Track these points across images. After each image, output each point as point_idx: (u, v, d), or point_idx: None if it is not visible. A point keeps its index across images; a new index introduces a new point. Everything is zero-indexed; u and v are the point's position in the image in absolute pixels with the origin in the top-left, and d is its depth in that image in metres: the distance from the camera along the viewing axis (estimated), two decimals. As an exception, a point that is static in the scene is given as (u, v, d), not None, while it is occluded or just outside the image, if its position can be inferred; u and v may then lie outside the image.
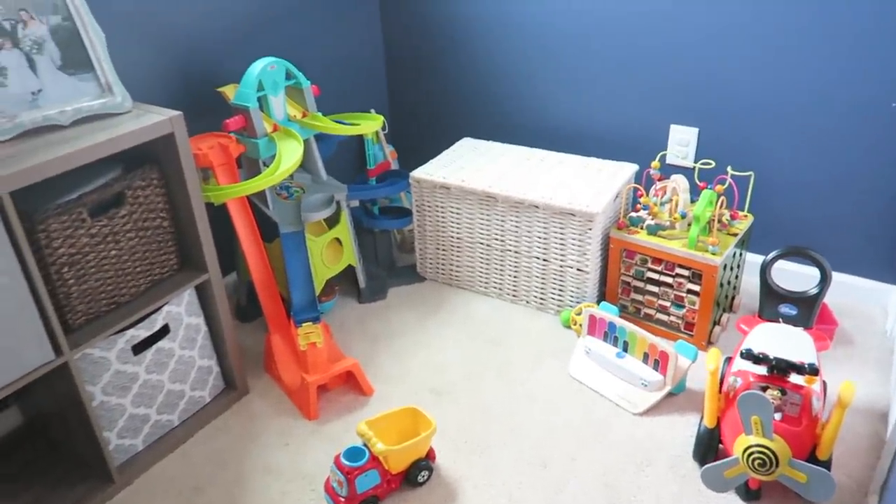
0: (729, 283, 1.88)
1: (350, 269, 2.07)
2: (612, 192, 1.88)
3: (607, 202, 1.84)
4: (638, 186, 1.92)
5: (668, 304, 1.84)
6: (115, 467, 1.46)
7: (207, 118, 1.82)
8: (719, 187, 1.77)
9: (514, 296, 2.07)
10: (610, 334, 1.75)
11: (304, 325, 1.66)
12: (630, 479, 1.46)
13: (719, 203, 1.76)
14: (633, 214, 1.88)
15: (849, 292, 1.97)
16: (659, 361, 1.65)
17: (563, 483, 1.46)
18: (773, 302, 1.62)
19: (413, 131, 2.60)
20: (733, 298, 1.98)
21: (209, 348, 1.64)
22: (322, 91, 1.96)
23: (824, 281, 1.57)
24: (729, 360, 1.55)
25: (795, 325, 1.57)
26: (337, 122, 1.91)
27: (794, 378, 1.38)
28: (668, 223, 1.82)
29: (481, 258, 2.07)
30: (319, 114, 1.88)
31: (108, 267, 1.40)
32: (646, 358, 1.68)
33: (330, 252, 1.97)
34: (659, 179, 1.90)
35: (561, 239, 1.89)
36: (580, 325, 1.86)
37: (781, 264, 1.68)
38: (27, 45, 1.33)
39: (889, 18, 1.67)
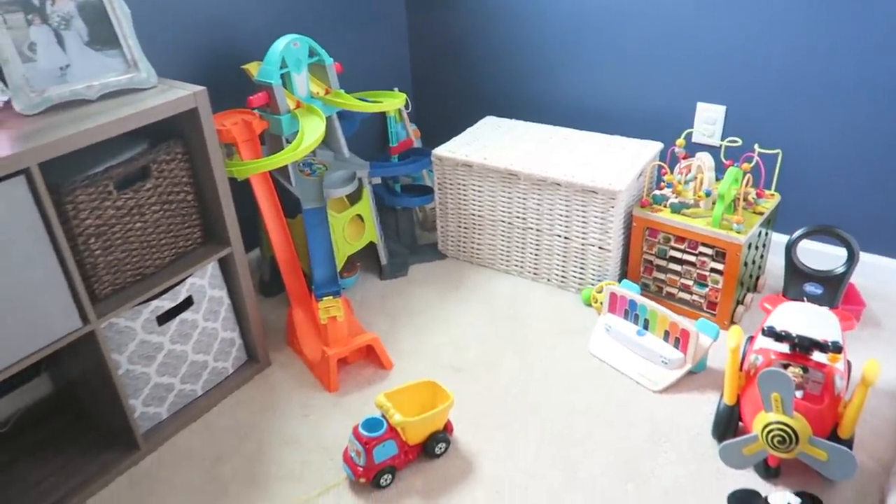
0: (754, 262, 1.85)
1: (372, 247, 2.08)
2: (635, 171, 1.86)
3: (630, 180, 1.82)
4: (662, 164, 1.90)
5: (690, 283, 1.82)
6: (140, 435, 1.50)
7: (232, 95, 1.84)
8: (746, 165, 1.74)
9: (535, 274, 2.06)
10: (630, 312, 1.74)
11: (324, 299, 1.67)
12: (649, 456, 1.46)
13: (745, 181, 1.73)
14: (657, 192, 1.86)
15: (880, 274, 1.93)
16: (680, 339, 1.63)
17: (581, 460, 1.46)
18: (798, 280, 1.59)
19: (436, 109, 2.60)
20: (758, 278, 1.95)
21: (232, 321, 1.67)
22: (345, 69, 1.96)
23: (851, 260, 1.54)
24: (751, 338, 1.53)
25: (820, 305, 1.55)
26: (360, 99, 1.92)
27: (817, 356, 1.36)
28: (692, 201, 1.79)
29: (503, 236, 2.07)
30: (342, 91, 1.89)
31: (134, 239, 1.43)
32: (666, 336, 1.67)
33: (352, 228, 1.99)
34: (684, 157, 1.87)
35: (583, 217, 1.88)
36: (601, 304, 1.85)
37: (808, 243, 1.65)
38: (55, 21, 1.35)
39: (925, -10, 1.61)
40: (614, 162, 1.91)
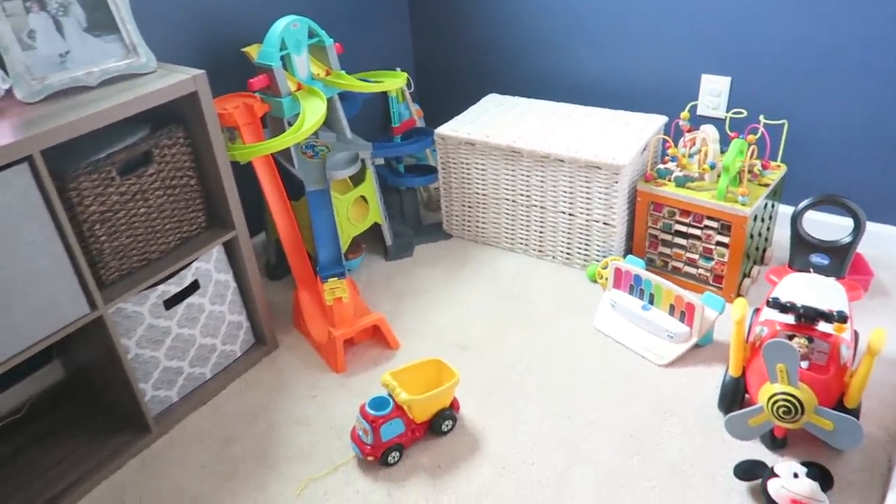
0: (760, 234, 1.84)
1: (377, 228, 2.08)
2: (639, 145, 1.85)
3: (634, 155, 1.81)
4: (666, 138, 1.88)
5: (696, 256, 1.82)
6: (151, 418, 1.52)
7: (233, 79, 1.83)
8: (751, 137, 1.72)
9: (539, 251, 2.06)
10: (636, 287, 1.74)
11: (329, 280, 1.68)
12: (654, 429, 1.46)
13: (750, 153, 1.71)
14: (661, 166, 1.84)
15: (888, 243, 1.92)
16: (685, 313, 1.63)
17: (587, 434, 1.47)
18: (804, 251, 1.58)
19: (438, 88, 2.58)
20: (765, 251, 1.94)
21: (239, 304, 1.68)
22: (346, 49, 1.95)
23: (858, 230, 1.53)
24: (757, 310, 1.53)
25: (827, 276, 1.54)
26: (361, 79, 1.91)
27: (823, 326, 1.35)
28: (696, 175, 1.78)
29: (507, 214, 2.06)
30: (343, 72, 1.88)
31: (139, 224, 1.44)
32: (672, 310, 1.67)
33: (356, 210, 1.99)
34: (688, 131, 1.86)
35: (587, 193, 1.87)
36: (606, 279, 1.84)
37: (814, 214, 1.64)
38: (54, 8, 1.35)
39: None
40: (618, 137, 1.90)
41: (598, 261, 1.95)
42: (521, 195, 2.00)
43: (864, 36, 1.73)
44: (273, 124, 1.85)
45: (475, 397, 1.58)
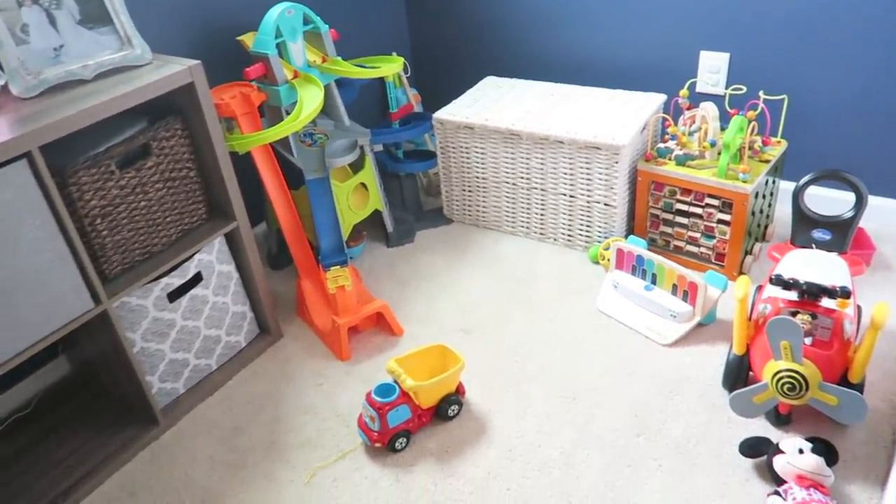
0: (761, 211, 1.84)
1: (378, 214, 2.08)
2: (638, 124, 1.84)
3: (634, 134, 1.80)
4: (666, 116, 1.88)
5: (697, 235, 1.81)
6: (158, 410, 1.53)
7: (229, 68, 1.82)
8: (751, 113, 1.72)
9: (541, 234, 2.06)
10: (638, 267, 1.74)
11: (332, 269, 1.68)
12: (659, 409, 1.47)
13: (750, 129, 1.70)
14: (661, 145, 1.84)
15: (889, 217, 1.91)
16: (688, 292, 1.63)
17: (592, 415, 1.47)
18: (805, 227, 1.58)
19: (435, 72, 2.57)
20: (766, 228, 1.94)
21: (242, 295, 1.69)
22: (342, 35, 1.94)
23: (860, 204, 1.52)
24: (759, 288, 1.53)
25: (829, 251, 1.54)
26: (357, 65, 1.90)
27: (826, 302, 1.35)
28: (697, 153, 1.77)
29: (507, 197, 2.06)
30: (339, 58, 1.87)
31: (140, 217, 1.44)
32: (674, 290, 1.67)
33: (356, 197, 1.99)
34: (688, 108, 1.85)
35: (587, 174, 1.86)
36: (608, 261, 1.84)
37: (815, 189, 1.63)
38: (46, 1, 1.34)
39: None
40: (617, 116, 1.89)
41: (599, 242, 1.95)
42: (521, 178, 1.99)
43: (863, 9, 1.72)
44: (270, 113, 1.84)
45: (480, 381, 1.58)
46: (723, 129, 1.78)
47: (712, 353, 1.59)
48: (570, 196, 1.93)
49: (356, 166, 2.00)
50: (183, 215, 1.53)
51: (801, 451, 1.23)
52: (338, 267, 1.69)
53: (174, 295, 1.50)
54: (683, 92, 1.82)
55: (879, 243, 1.83)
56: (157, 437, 1.53)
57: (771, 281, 1.38)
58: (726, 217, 1.73)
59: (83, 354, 1.64)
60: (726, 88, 1.94)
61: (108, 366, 1.53)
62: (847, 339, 1.32)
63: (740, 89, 1.80)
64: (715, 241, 1.78)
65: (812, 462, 1.21)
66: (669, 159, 1.80)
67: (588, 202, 1.91)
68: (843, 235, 1.54)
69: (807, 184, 1.57)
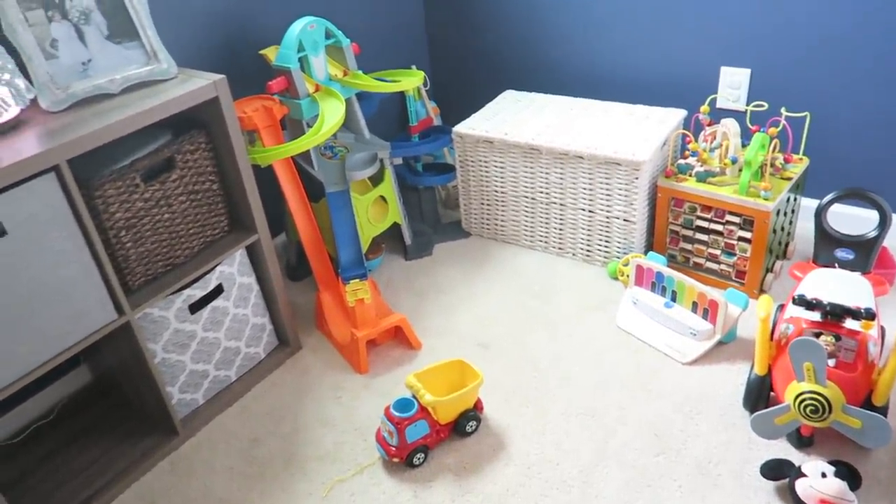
0: (782, 229, 1.82)
1: (396, 227, 2.09)
2: (659, 140, 1.84)
3: (654, 150, 1.80)
4: (686, 133, 1.87)
5: (718, 252, 1.80)
6: (178, 421, 1.54)
7: (252, 82, 1.84)
8: (772, 130, 1.71)
9: (559, 249, 2.06)
10: (658, 284, 1.73)
11: (351, 282, 1.69)
12: (679, 428, 1.46)
13: (772, 146, 1.70)
14: (682, 161, 1.83)
15: (912, 236, 1.89)
16: (708, 310, 1.62)
17: (611, 433, 1.47)
18: (828, 247, 1.57)
19: (455, 86, 2.58)
20: (787, 245, 1.93)
21: (262, 306, 1.70)
22: (362, 49, 1.95)
23: (884, 223, 1.51)
24: (781, 307, 1.52)
25: (852, 270, 1.52)
26: (378, 79, 1.91)
27: (850, 323, 1.34)
28: (717, 169, 1.77)
29: (526, 212, 2.06)
30: (360, 72, 1.88)
31: (163, 230, 1.45)
32: (695, 307, 1.66)
33: (375, 210, 1.99)
34: (708, 124, 1.84)
35: (607, 189, 1.86)
36: (627, 276, 1.84)
37: (838, 208, 1.62)
38: (75, 16, 1.36)
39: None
40: (637, 132, 1.88)
41: (618, 258, 1.94)
42: (541, 192, 1.99)
43: (887, 26, 1.71)
44: (292, 126, 1.86)
45: (499, 397, 1.58)
46: (744, 145, 1.77)
47: (733, 372, 1.58)
48: (590, 211, 1.93)
49: (376, 179, 2.01)
50: (205, 227, 1.55)
51: (823, 475, 1.22)
52: (357, 280, 1.70)
53: (195, 306, 1.52)
54: (704, 108, 1.81)
55: (903, 262, 1.81)
56: (176, 448, 1.54)
57: (794, 301, 1.37)
58: (747, 234, 1.72)
59: (105, 364, 1.66)
60: (747, 105, 1.93)
61: (129, 376, 1.54)
62: (871, 362, 1.31)
63: (762, 106, 1.80)
64: (735, 258, 1.77)
65: (835, 486, 1.20)
66: (690, 175, 1.80)
67: (607, 217, 1.90)
68: (866, 255, 1.53)
69: (830, 202, 1.56)
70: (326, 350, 1.79)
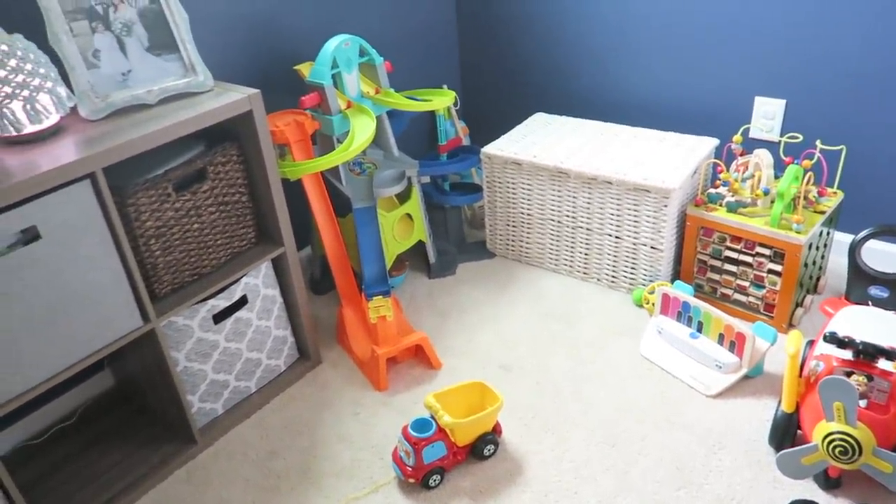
0: (814, 263, 1.79)
1: (420, 245, 2.09)
2: (689, 168, 1.82)
3: (684, 178, 1.78)
4: (718, 162, 1.85)
5: (746, 284, 1.77)
6: (197, 429, 1.54)
7: (285, 96, 1.87)
8: (807, 162, 1.68)
9: (584, 273, 2.04)
10: (684, 314, 1.71)
11: (374, 298, 1.69)
12: (702, 462, 1.43)
13: (806, 179, 1.67)
14: (712, 191, 1.81)
15: (949, 275, 1.84)
16: (735, 343, 1.59)
17: (631, 463, 1.44)
18: (862, 284, 1.54)
19: (485, 107, 2.59)
20: (818, 279, 1.89)
21: (284, 319, 1.70)
22: (395, 67, 1.97)
23: (920, 262, 1.48)
24: (811, 343, 1.48)
25: (886, 309, 1.49)
26: (409, 98, 1.93)
27: (883, 364, 1.31)
28: (749, 200, 1.74)
29: (552, 235, 2.05)
30: (392, 90, 1.90)
31: (192, 239, 1.47)
32: (721, 339, 1.63)
33: (401, 227, 2.00)
34: (741, 154, 1.82)
35: (635, 216, 1.84)
36: (652, 304, 1.81)
37: (873, 244, 1.59)
38: (118, 28, 1.39)
39: None
40: (668, 159, 1.87)
41: (644, 285, 1.92)
42: (567, 216, 1.98)
43: (928, 61, 1.68)
44: (322, 141, 1.87)
45: (518, 421, 1.56)
46: (777, 177, 1.75)
47: (759, 408, 1.54)
48: (616, 237, 1.91)
49: (403, 197, 2.02)
50: (233, 239, 1.56)
51: (851, 519, 1.18)
52: (380, 297, 1.70)
53: (219, 317, 1.53)
54: (737, 138, 1.79)
55: (938, 302, 1.76)
56: (193, 457, 1.54)
57: (825, 338, 1.33)
58: (777, 267, 1.69)
59: (127, 369, 1.68)
60: (781, 136, 1.91)
61: (151, 382, 1.56)
62: (904, 404, 1.27)
63: (796, 137, 1.77)
64: (765, 290, 1.74)
65: (863, 531, 1.16)
66: (720, 205, 1.77)
67: (634, 244, 1.88)
68: (901, 294, 1.50)
69: (865, 238, 1.53)
70: (346, 365, 1.79)
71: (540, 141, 2.05)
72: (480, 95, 2.58)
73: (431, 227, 2.13)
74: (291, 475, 1.49)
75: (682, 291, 1.72)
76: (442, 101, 1.96)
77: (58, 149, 1.23)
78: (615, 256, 1.94)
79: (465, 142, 2.43)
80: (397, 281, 2.08)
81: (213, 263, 1.53)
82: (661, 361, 1.69)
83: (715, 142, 1.96)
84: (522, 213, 2.08)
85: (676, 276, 1.93)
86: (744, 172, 1.80)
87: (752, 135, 2.00)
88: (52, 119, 1.28)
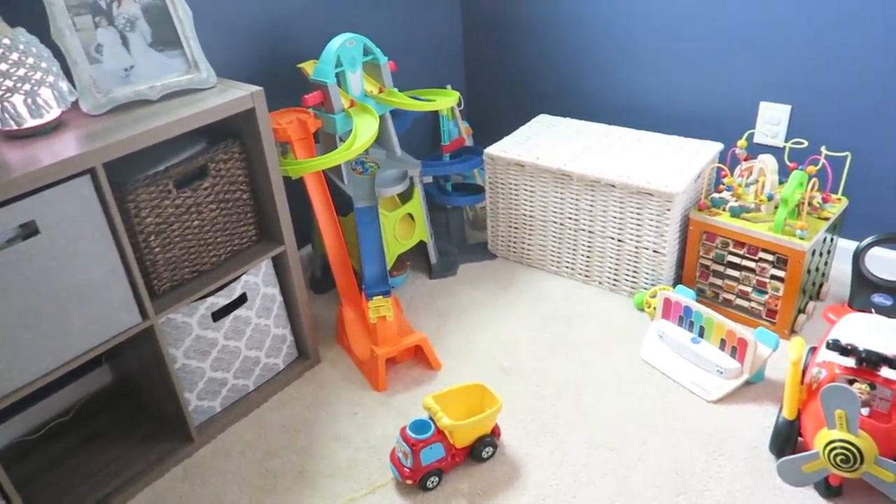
0: (817, 269, 1.78)
1: (422, 245, 2.08)
2: (693, 172, 1.81)
3: (688, 182, 1.77)
4: (722, 166, 1.84)
5: (749, 289, 1.76)
6: (194, 427, 1.53)
7: (288, 94, 1.86)
8: (811, 168, 1.67)
9: (586, 276, 2.03)
10: (685, 319, 1.70)
11: (374, 298, 1.68)
12: (701, 468, 1.42)
13: (810, 185, 1.66)
14: (716, 195, 1.80)
15: (953, 284, 1.83)
16: (737, 348, 1.58)
17: (631, 468, 1.43)
18: (865, 291, 1.53)
19: (489, 108, 2.58)
20: (821, 286, 1.88)
21: (284, 318, 1.69)
22: (399, 67, 1.96)
23: (924, 270, 1.47)
24: (813, 350, 1.47)
25: (889, 317, 1.48)
26: (413, 97, 1.92)
27: (886, 372, 1.29)
28: (752, 205, 1.73)
29: (554, 237, 2.04)
30: (396, 90, 1.89)
31: (192, 236, 1.46)
32: (723, 344, 1.62)
33: (402, 227, 1.99)
34: (745, 159, 1.81)
35: (637, 219, 1.84)
36: (654, 309, 1.80)
37: (877, 251, 1.58)
38: (121, 24, 1.39)
39: None
40: (671, 163, 1.86)
41: (645, 289, 1.91)
42: (570, 219, 1.97)
43: (935, 68, 1.67)
44: (325, 140, 1.87)
45: (517, 423, 1.55)
46: (781, 182, 1.74)
47: (759, 414, 1.53)
48: (619, 240, 1.90)
49: (404, 196, 2.01)
50: (233, 236, 1.56)
51: (852, 528, 1.17)
52: (380, 297, 1.69)
53: (218, 314, 1.52)
54: (741, 142, 1.79)
55: (942, 311, 1.75)
56: (190, 455, 1.54)
57: (827, 345, 1.32)
58: (780, 273, 1.68)
59: (125, 366, 1.67)
60: (786, 141, 1.90)
61: (149, 379, 1.55)
62: (907, 413, 1.26)
63: (801, 143, 1.76)
64: (767, 296, 1.73)
65: (864, 541, 1.15)
66: (724, 210, 1.77)
67: (636, 248, 1.88)
68: (905, 301, 1.49)
69: (869, 245, 1.52)
70: (345, 365, 1.78)
71: (543, 143, 2.05)
72: (484, 96, 2.57)
73: (433, 228, 2.12)
74: (288, 475, 1.48)
75: (683, 296, 1.71)
76: (446, 101, 1.95)
77: (58, 143, 1.23)
78: (617, 260, 1.93)
79: (469, 142, 2.42)
80: (398, 281, 2.07)
81: (212, 261, 1.52)
82: (661, 366, 1.68)
83: (719, 146, 1.95)
84: (524, 215, 2.08)
85: (678, 280, 1.92)
86: (748, 177, 1.79)
87: (756, 140, 1.99)
88: (54, 113, 1.27)
